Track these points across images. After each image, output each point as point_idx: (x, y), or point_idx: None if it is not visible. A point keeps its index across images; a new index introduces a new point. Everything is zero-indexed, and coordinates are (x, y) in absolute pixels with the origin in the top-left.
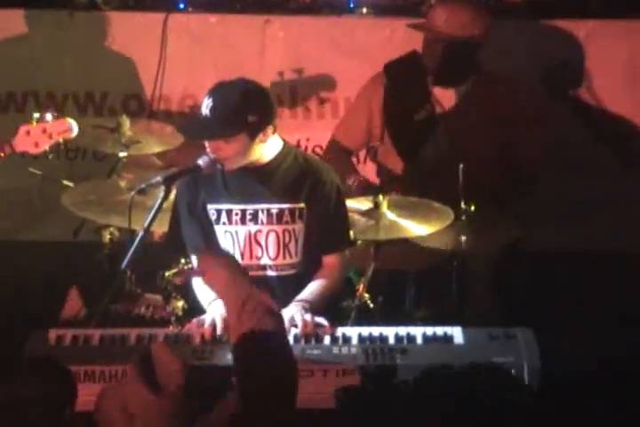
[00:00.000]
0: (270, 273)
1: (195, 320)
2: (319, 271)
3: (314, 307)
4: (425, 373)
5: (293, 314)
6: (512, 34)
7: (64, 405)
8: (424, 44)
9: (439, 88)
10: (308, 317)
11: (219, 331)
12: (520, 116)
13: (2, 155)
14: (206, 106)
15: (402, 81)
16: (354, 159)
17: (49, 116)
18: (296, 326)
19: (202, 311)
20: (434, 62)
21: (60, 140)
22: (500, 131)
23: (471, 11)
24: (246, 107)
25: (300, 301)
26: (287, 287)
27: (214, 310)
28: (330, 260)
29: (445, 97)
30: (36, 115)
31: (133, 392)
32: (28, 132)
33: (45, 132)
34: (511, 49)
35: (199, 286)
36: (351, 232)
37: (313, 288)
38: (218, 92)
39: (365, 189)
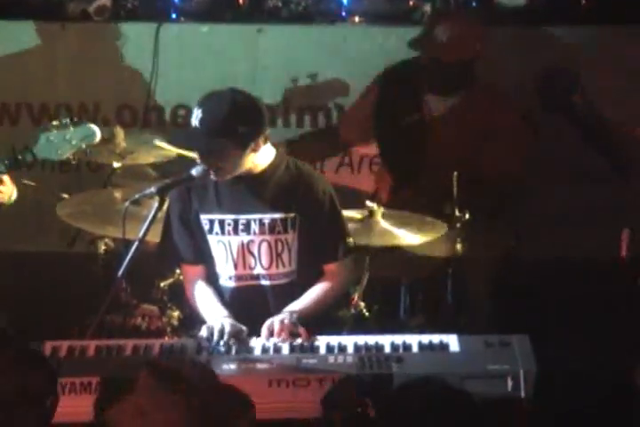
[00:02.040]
0: (264, 282)
1: (204, 327)
2: (319, 279)
3: (306, 315)
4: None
5: (273, 321)
6: (507, 41)
7: (44, 395)
8: (423, 57)
9: (432, 96)
10: (286, 323)
11: (226, 335)
12: (506, 130)
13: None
14: (196, 117)
15: (396, 88)
16: (348, 168)
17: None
18: (273, 332)
19: (196, 321)
20: (432, 74)
21: (84, 146)
22: (485, 143)
23: (475, 30)
24: (236, 117)
25: (288, 311)
26: (281, 296)
27: (218, 314)
28: (330, 268)
29: (438, 105)
30: (55, 122)
31: (156, 399)
32: (48, 140)
33: (66, 139)
34: (506, 56)
35: (199, 295)
36: (350, 240)
37: (308, 297)
38: (207, 102)
39: None
